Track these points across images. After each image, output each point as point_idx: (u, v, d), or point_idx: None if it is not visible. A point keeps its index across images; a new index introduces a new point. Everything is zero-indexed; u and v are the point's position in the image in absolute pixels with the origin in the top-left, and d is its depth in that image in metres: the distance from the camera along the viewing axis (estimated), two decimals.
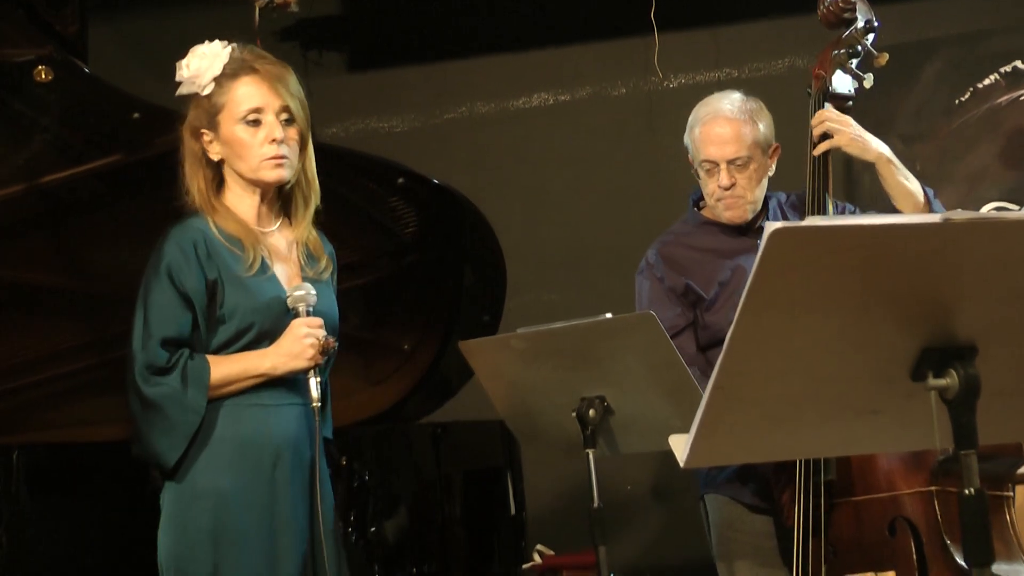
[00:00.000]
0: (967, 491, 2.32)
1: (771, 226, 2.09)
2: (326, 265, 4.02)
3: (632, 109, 7.52)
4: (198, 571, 3.85)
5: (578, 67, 7.67)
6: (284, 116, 3.90)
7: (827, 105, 4.51)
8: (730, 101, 4.84)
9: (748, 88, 5.16)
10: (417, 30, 7.81)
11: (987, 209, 5.13)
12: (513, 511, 5.02)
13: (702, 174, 4.82)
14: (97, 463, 4.32)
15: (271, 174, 3.90)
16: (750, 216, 4.81)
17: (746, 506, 4.77)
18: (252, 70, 3.92)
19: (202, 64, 3.92)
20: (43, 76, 4.69)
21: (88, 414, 4.93)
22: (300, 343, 3.77)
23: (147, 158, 4.75)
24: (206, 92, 3.92)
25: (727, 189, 4.73)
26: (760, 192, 4.84)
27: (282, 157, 3.88)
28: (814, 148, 4.51)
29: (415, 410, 5.21)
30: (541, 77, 7.71)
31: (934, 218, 2.18)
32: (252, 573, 3.84)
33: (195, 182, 3.97)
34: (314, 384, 3.77)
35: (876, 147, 4.53)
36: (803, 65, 4.88)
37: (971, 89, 6.23)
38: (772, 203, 4.92)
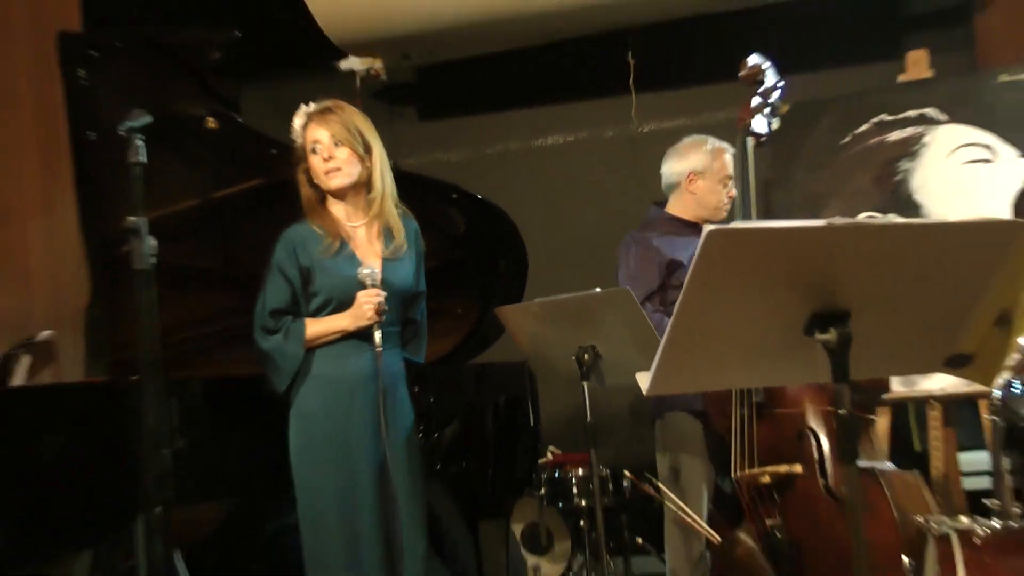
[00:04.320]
0: (841, 411, 2.36)
1: (707, 227, 2.13)
2: (402, 244, 4.03)
3: (618, 147, 7.52)
4: (301, 466, 3.93)
5: (580, 117, 7.67)
6: (332, 140, 3.95)
7: (749, 141, 4.51)
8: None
9: (700, 131, 5.22)
10: (465, 92, 7.81)
11: (860, 217, 5.10)
12: (532, 423, 5.03)
13: (719, 187, 4.96)
14: (243, 391, 4.33)
15: (330, 182, 3.98)
16: None
17: (691, 413, 4.83)
18: (312, 117, 4.01)
19: (297, 118, 4.04)
20: (211, 125, 4.72)
21: (237, 357, 4.94)
22: (361, 308, 3.84)
23: (279, 181, 4.74)
24: (299, 136, 4.04)
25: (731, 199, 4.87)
26: None
27: (333, 169, 3.95)
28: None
29: (464, 355, 5.22)
30: (553, 124, 7.71)
31: (821, 223, 2.20)
32: (332, 478, 3.88)
33: (303, 195, 4.06)
34: (377, 335, 3.82)
35: None
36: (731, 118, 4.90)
37: (851, 134, 6.20)
38: None
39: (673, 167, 5.06)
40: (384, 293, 3.87)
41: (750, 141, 4.52)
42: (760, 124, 4.50)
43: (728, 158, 4.97)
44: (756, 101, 4.51)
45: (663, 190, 5.13)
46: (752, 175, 4.52)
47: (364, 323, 3.86)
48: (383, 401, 3.84)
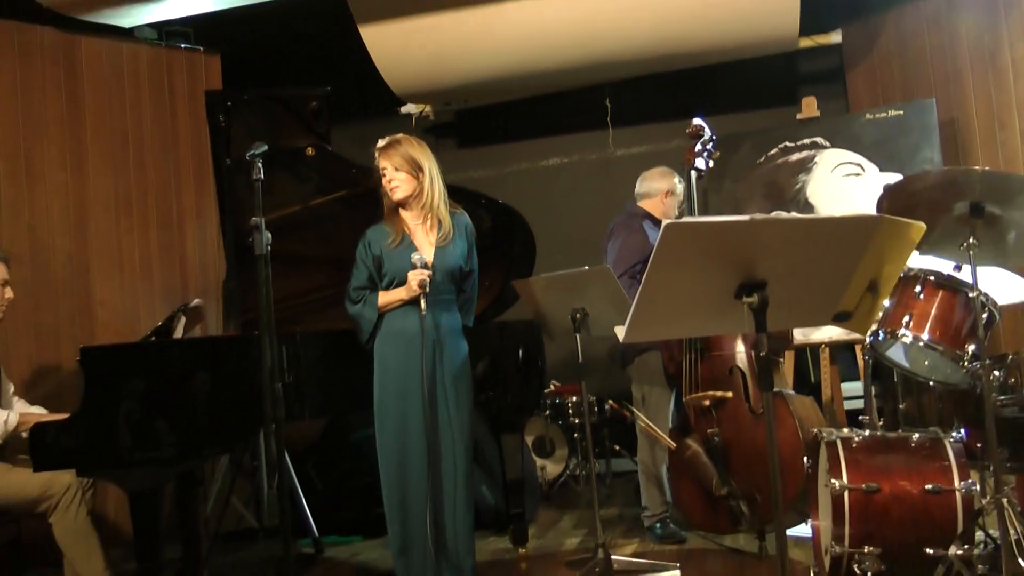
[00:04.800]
0: (761, 353, 2.35)
1: (665, 221, 2.12)
2: (450, 235, 3.97)
3: (598, 167, 7.51)
4: (377, 392, 3.92)
5: (571, 145, 7.66)
6: (393, 167, 3.92)
7: (693, 174, 4.66)
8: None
9: (657, 155, 5.24)
10: (490, 128, 7.80)
11: (773, 214, 5.10)
12: (539, 364, 5.00)
13: (677, 206, 5.04)
14: (332, 341, 4.31)
15: (392, 196, 3.95)
16: None
17: (655, 351, 4.83)
18: (384, 148, 3.96)
19: (375, 152, 3.96)
20: (310, 152, 4.72)
21: (328, 317, 4.94)
22: (410, 284, 3.82)
23: (359, 191, 4.76)
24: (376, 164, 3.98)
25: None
26: None
27: (394, 187, 3.92)
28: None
29: (491, 315, 5.20)
30: (552, 150, 7.70)
31: (745, 218, 2.19)
32: (394, 403, 3.86)
33: (384, 204, 4.02)
34: (422, 302, 3.79)
35: None
36: (684, 145, 4.93)
37: (765, 155, 6.23)
38: None
39: (655, 184, 5.11)
40: (428, 272, 3.84)
41: (694, 174, 4.67)
42: (700, 163, 4.67)
43: (677, 188, 5.10)
44: (697, 148, 4.67)
45: (636, 196, 5.16)
46: (696, 196, 4.68)
47: (413, 294, 3.82)
48: (431, 349, 3.83)
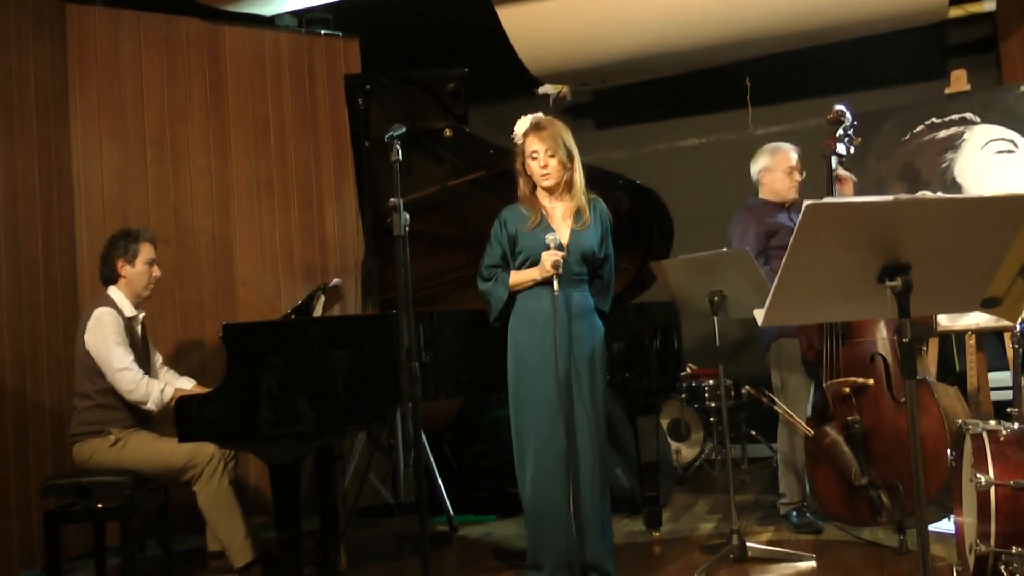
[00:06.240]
0: (905, 339, 2.32)
1: (807, 202, 2.11)
2: (586, 220, 3.95)
3: (737, 147, 7.39)
4: (511, 370, 3.95)
5: (709, 125, 7.63)
6: (548, 153, 3.89)
7: (834, 159, 4.62)
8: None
9: (798, 135, 5.13)
10: (627, 108, 7.80)
11: (918, 194, 4.98)
12: (676, 346, 4.99)
13: (784, 176, 5.01)
14: (473, 320, 4.36)
15: (542, 182, 3.94)
16: None
17: (790, 338, 4.79)
18: (536, 129, 3.93)
19: (519, 127, 3.96)
20: (448, 133, 4.79)
21: (465, 297, 5.01)
22: (544, 263, 3.82)
23: (496, 172, 4.80)
24: (519, 141, 3.96)
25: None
26: None
27: (545, 174, 3.91)
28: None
29: (628, 296, 5.20)
30: (690, 130, 7.68)
31: (889, 198, 2.16)
32: (532, 383, 3.87)
33: (520, 183, 4.02)
34: (555, 283, 3.78)
35: None
36: (822, 124, 4.87)
37: (910, 133, 6.08)
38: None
39: (751, 170, 5.15)
40: (562, 253, 3.84)
41: (835, 159, 4.63)
42: (841, 148, 4.64)
43: (791, 154, 5.06)
44: (839, 134, 4.64)
45: (754, 186, 5.20)
46: (835, 182, 4.65)
47: (547, 274, 3.82)
48: (565, 329, 3.83)
